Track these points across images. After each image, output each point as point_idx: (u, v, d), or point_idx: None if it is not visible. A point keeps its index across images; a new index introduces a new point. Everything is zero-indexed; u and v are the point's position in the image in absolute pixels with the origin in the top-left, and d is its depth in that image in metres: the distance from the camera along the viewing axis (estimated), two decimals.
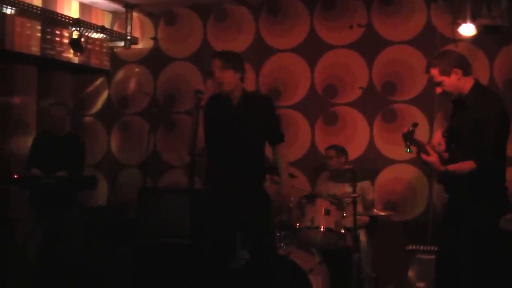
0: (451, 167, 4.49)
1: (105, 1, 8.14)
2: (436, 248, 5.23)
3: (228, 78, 4.86)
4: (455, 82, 4.64)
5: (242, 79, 5.00)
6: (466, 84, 4.67)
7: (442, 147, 4.71)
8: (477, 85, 4.70)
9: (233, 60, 4.94)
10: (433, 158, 4.51)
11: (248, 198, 4.88)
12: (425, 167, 4.83)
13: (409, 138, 4.59)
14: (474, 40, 6.91)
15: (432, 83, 4.78)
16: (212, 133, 4.81)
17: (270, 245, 5.03)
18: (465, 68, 4.68)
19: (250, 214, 4.89)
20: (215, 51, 5.10)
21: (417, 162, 6.85)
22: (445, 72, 4.64)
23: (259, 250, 4.98)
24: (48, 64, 7.94)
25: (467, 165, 4.44)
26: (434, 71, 4.67)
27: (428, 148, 4.57)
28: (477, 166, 4.42)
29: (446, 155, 4.67)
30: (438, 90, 4.72)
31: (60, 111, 6.65)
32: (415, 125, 4.64)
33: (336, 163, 6.83)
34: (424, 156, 4.53)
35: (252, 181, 4.96)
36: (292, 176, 6.77)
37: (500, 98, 4.70)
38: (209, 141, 4.86)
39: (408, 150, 4.64)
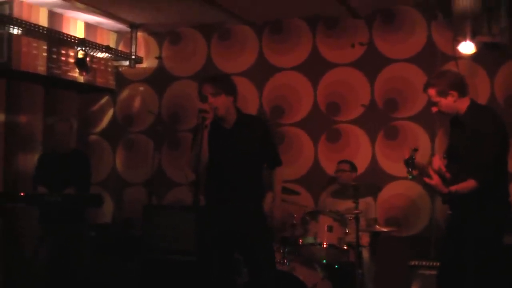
0: (454, 188, 4.53)
1: (110, 21, 8.24)
2: (438, 264, 5.28)
3: (222, 102, 4.85)
4: (451, 103, 4.71)
5: (234, 102, 4.99)
6: (463, 105, 4.73)
7: (443, 170, 4.77)
8: (473, 104, 4.76)
9: (224, 84, 4.93)
10: (435, 181, 4.56)
11: (244, 217, 4.90)
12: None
13: (410, 164, 4.66)
14: (474, 57, 6.96)
15: (429, 102, 4.85)
16: (209, 156, 4.83)
17: (268, 263, 5.02)
18: (462, 89, 4.73)
19: (246, 232, 4.91)
20: (205, 77, 5.10)
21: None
22: (442, 93, 4.70)
23: (257, 269, 4.99)
24: (54, 83, 8.01)
25: (469, 184, 4.50)
26: (432, 91, 4.74)
27: (430, 171, 4.63)
28: (478, 183, 4.48)
29: (448, 175, 4.72)
30: (434, 109, 4.79)
31: (65, 126, 6.73)
32: (415, 150, 4.70)
33: (347, 177, 6.86)
34: (427, 180, 4.58)
35: (248, 200, 4.96)
36: (295, 193, 6.84)
37: (498, 114, 4.75)
38: (208, 162, 4.89)
39: (411, 177, 4.72)
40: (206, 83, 4.91)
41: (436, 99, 4.73)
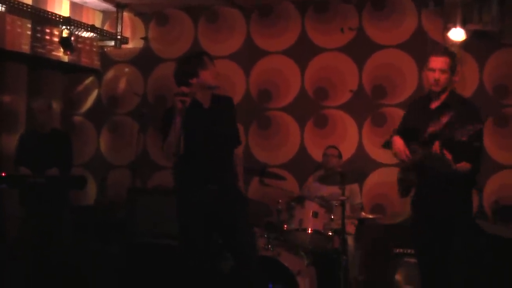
0: (458, 165, 4.53)
1: (96, 0, 8.12)
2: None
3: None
4: (450, 83, 4.73)
5: None
6: (448, 90, 4.78)
7: (407, 152, 4.76)
8: (454, 91, 4.85)
9: None
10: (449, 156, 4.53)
11: (223, 198, 4.81)
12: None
13: None
14: (464, 45, 6.94)
15: (431, 66, 4.75)
16: (186, 137, 4.75)
17: (250, 245, 4.95)
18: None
19: (225, 213, 4.82)
20: (204, 52, 5.02)
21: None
22: (452, 69, 4.71)
23: (239, 251, 4.90)
24: (38, 63, 7.91)
25: (465, 165, 4.54)
26: (447, 60, 4.71)
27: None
28: (472, 168, 4.56)
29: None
30: (437, 74, 4.70)
31: (42, 105, 6.65)
32: None
33: (335, 163, 6.84)
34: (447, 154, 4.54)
35: (225, 180, 4.87)
36: (281, 178, 6.79)
37: None
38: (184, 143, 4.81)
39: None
40: (207, 56, 4.85)
41: (447, 68, 4.70)
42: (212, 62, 4.84)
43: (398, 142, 4.87)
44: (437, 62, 4.72)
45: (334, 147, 7.02)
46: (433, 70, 4.73)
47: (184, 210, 4.85)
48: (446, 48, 4.89)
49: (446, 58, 4.72)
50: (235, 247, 4.91)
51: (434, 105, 4.83)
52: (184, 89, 4.57)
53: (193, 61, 4.84)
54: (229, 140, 4.94)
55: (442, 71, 4.70)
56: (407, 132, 4.92)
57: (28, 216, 6.42)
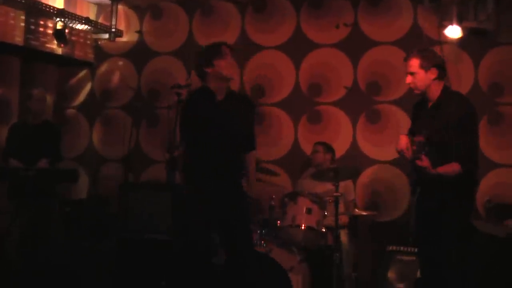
0: (441, 169, 4.53)
1: None
2: (415, 250, 5.29)
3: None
4: (428, 80, 4.74)
5: None
6: (437, 87, 4.77)
7: (410, 151, 4.75)
8: (446, 88, 4.81)
9: None
10: (426, 163, 4.52)
11: (228, 196, 4.81)
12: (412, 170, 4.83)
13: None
14: (459, 42, 6.93)
15: (405, 71, 4.81)
16: (195, 128, 4.72)
17: (248, 242, 4.97)
18: (442, 72, 4.78)
19: (229, 211, 4.81)
20: (224, 42, 4.97)
21: (400, 163, 6.92)
22: (425, 67, 4.71)
23: (236, 248, 4.90)
24: (31, 55, 7.85)
25: (454, 168, 4.51)
26: (415, 62, 4.73)
27: (423, 156, 4.58)
28: (463, 168, 4.51)
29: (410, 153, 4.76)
30: (409, 79, 4.76)
31: (39, 93, 6.65)
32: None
33: (321, 158, 6.79)
34: (419, 163, 4.53)
35: (233, 179, 4.89)
36: (275, 174, 6.77)
37: (471, 101, 4.80)
38: (192, 136, 4.78)
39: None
40: (229, 48, 4.86)
41: (417, 70, 4.72)
42: (230, 54, 4.81)
43: (402, 140, 4.85)
44: (406, 67, 4.79)
45: (320, 143, 6.97)
46: (406, 75, 4.79)
47: (187, 205, 4.82)
48: (419, 49, 4.85)
49: (414, 59, 4.74)
50: (231, 247, 4.87)
51: (430, 104, 4.84)
52: (180, 82, 4.57)
53: (209, 51, 4.82)
54: (241, 138, 4.89)
55: (410, 73, 4.75)
56: (409, 132, 4.95)
57: (17, 209, 6.37)
